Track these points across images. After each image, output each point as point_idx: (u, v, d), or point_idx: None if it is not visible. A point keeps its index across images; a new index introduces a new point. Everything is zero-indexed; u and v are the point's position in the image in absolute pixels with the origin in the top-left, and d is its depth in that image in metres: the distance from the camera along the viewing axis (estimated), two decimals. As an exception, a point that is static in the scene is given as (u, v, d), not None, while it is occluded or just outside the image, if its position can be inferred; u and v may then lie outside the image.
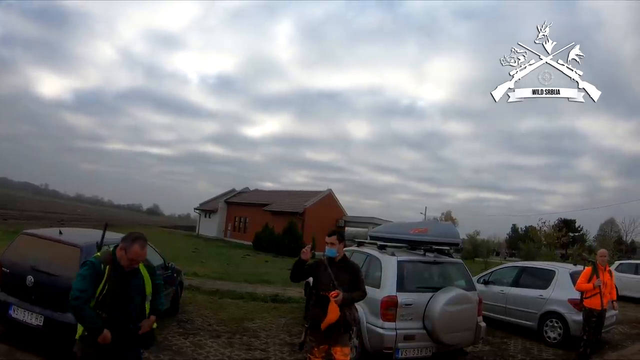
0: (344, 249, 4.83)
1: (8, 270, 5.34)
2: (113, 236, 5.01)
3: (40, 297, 5.12)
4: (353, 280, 4.51)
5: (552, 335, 8.20)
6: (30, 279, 5.15)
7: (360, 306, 5.45)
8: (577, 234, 51.46)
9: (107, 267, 3.20)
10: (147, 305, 3.51)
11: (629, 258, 25.94)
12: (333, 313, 4.26)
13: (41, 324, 5.05)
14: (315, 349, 4.50)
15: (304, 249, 4.47)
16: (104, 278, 3.16)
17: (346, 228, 41.61)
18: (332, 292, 4.27)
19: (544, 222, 38.76)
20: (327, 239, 4.57)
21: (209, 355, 6.12)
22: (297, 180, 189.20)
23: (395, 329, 5.76)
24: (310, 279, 8.48)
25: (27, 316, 5.12)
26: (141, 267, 3.44)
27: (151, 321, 3.49)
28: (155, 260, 7.46)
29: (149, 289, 3.46)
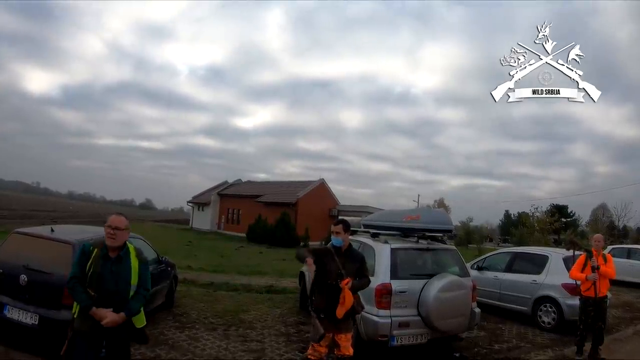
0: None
1: (1, 270, 5.28)
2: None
3: (34, 295, 5.09)
4: (359, 269, 4.58)
5: (546, 319, 8.29)
6: (23, 277, 5.12)
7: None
8: (569, 219, 51.77)
9: (96, 249, 3.42)
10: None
11: (621, 243, 26.22)
12: (349, 300, 4.31)
13: (36, 322, 5.02)
14: None
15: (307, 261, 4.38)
16: (91, 259, 3.38)
17: (339, 217, 41.55)
18: (344, 280, 4.29)
19: (537, 208, 39.05)
20: (333, 228, 4.58)
21: (206, 348, 6.12)
22: (290, 170, 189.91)
23: (390, 316, 5.78)
24: (305, 269, 8.58)
25: (21, 315, 5.09)
26: (132, 255, 3.50)
27: (118, 318, 3.34)
28: (149, 254, 7.44)
29: (135, 279, 3.47)
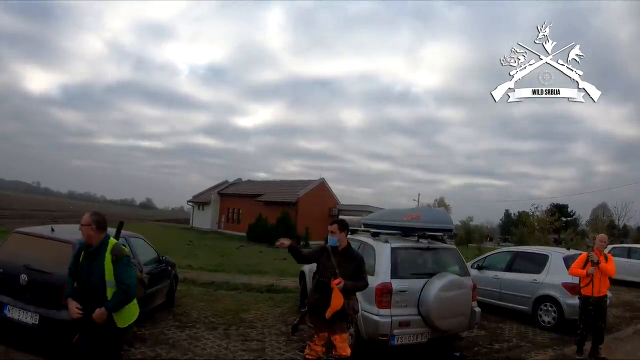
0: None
1: (1, 270, 5.27)
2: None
3: (34, 295, 5.08)
4: (356, 270, 4.55)
5: (546, 319, 8.29)
6: (24, 277, 5.10)
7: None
8: (569, 218, 51.70)
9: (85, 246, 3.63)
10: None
11: (621, 242, 26.19)
12: (337, 300, 4.29)
13: (37, 322, 5.00)
14: (315, 336, 4.54)
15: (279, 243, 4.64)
16: (81, 255, 3.63)
17: (339, 216, 41.55)
18: (335, 280, 4.29)
19: (537, 207, 39.01)
20: (329, 227, 4.60)
21: (206, 347, 6.12)
22: (290, 169, 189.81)
23: (391, 315, 5.77)
24: (306, 268, 8.59)
25: (22, 315, 5.08)
26: (107, 250, 3.55)
27: (99, 313, 3.43)
28: (149, 254, 7.44)
29: (109, 275, 3.50)
